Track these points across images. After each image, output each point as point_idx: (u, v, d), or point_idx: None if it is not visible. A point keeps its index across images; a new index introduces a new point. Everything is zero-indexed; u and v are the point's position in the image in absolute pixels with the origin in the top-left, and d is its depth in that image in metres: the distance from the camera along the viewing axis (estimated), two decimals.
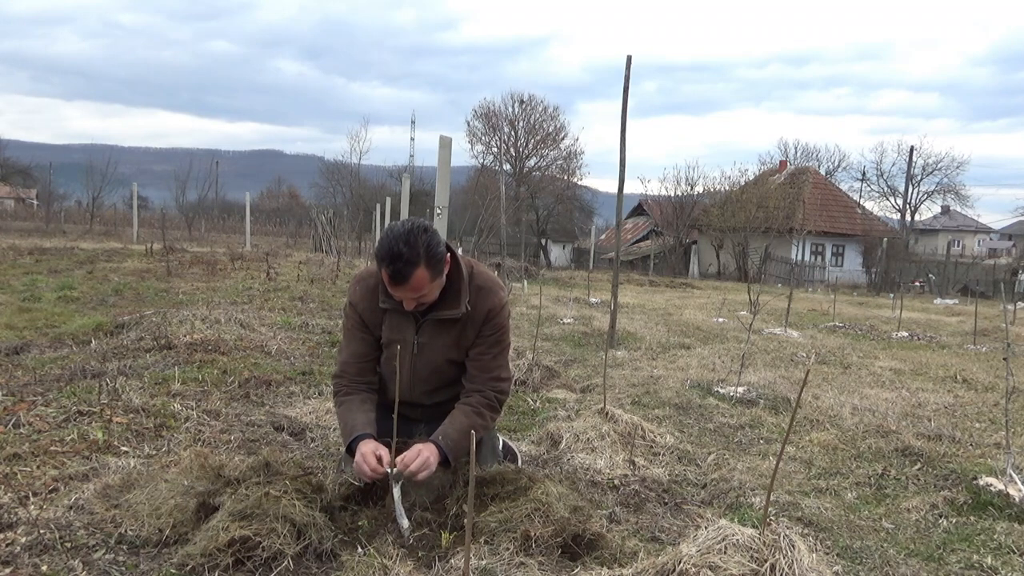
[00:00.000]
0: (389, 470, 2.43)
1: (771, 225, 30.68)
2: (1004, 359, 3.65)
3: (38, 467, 2.76)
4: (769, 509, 2.61)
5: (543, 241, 40.20)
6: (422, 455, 2.42)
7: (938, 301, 19.51)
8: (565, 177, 41.52)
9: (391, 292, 2.49)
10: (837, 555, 2.57)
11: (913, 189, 45.49)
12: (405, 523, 2.36)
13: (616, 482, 3.11)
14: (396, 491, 2.41)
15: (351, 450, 2.51)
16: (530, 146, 40.66)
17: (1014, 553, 2.62)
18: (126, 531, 2.30)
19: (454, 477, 2.58)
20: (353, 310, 2.72)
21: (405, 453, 2.44)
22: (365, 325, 2.70)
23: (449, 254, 2.54)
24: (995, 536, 2.75)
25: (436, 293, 2.55)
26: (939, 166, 47.58)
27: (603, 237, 41.20)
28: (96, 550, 2.20)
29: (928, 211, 56.03)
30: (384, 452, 2.45)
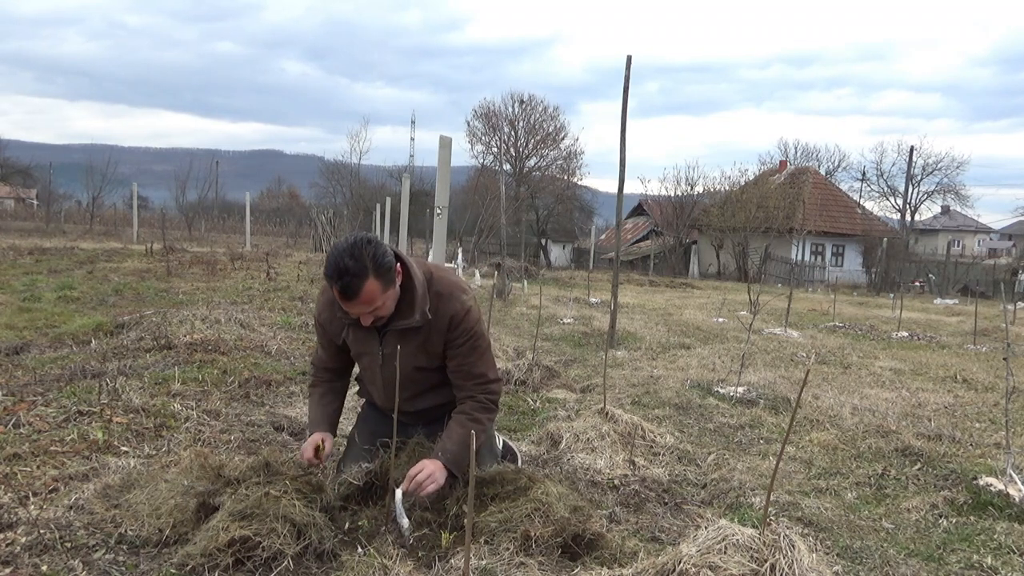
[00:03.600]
0: (391, 476, 2.43)
1: (771, 225, 30.67)
2: (1004, 359, 3.65)
3: (38, 467, 2.76)
4: (769, 509, 2.61)
5: (543, 241, 40.19)
6: (427, 468, 2.43)
7: (938, 301, 19.51)
8: (565, 177, 41.52)
9: (345, 308, 2.45)
10: (837, 555, 2.57)
11: (913, 189, 45.46)
12: (405, 523, 2.36)
13: (616, 482, 3.11)
14: (397, 492, 2.41)
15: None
16: (530, 146, 40.66)
17: (1014, 553, 2.62)
18: (126, 531, 2.31)
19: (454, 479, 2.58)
20: (317, 321, 2.78)
21: (412, 469, 2.45)
22: (328, 336, 2.74)
23: (399, 263, 2.47)
24: (995, 536, 2.75)
25: (391, 305, 2.49)
26: (939, 166, 47.57)
27: (603, 237, 41.19)
28: (96, 550, 2.20)
29: (928, 211, 56.03)
30: (327, 442, 2.61)
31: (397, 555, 2.18)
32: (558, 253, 42.04)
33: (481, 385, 2.67)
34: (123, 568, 2.12)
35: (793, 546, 2.05)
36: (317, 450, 2.58)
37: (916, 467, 3.62)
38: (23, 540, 2.20)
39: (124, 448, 3.06)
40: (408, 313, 2.53)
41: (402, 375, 2.63)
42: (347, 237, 2.43)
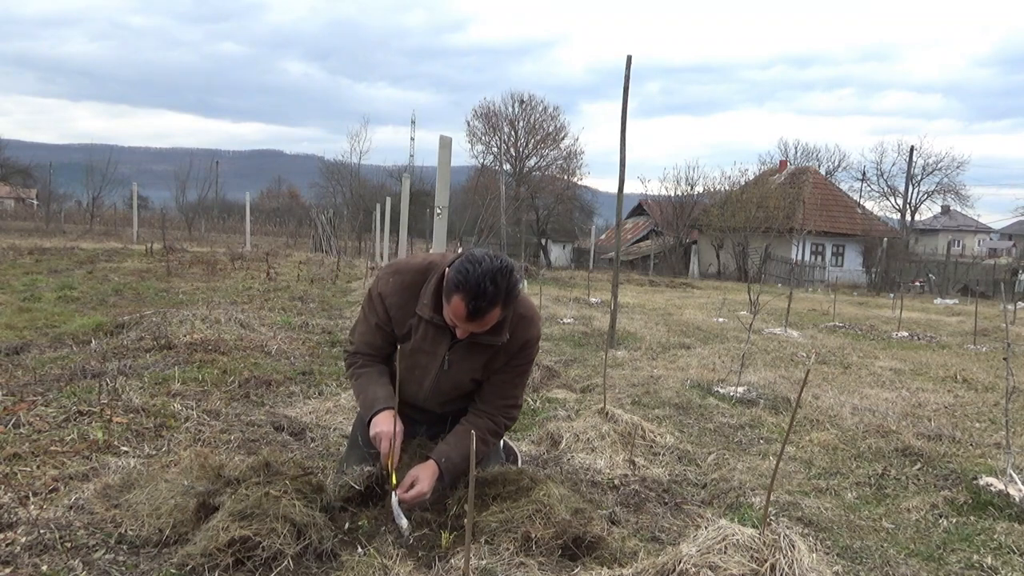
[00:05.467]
0: (390, 471, 2.43)
1: (771, 225, 30.66)
2: (1004, 359, 3.65)
3: (38, 467, 2.76)
4: (769, 509, 2.61)
5: (543, 241, 40.19)
6: (420, 490, 2.40)
7: (938, 301, 19.50)
8: (565, 177, 41.51)
9: (455, 321, 2.35)
10: (837, 555, 2.57)
11: (913, 189, 45.42)
12: (404, 523, 2.36)
13: (616, 482, 3.11)
14: (395, 493, 2.41)
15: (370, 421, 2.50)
16: (530, 146, 40.65)
17: (1014, 553, 2.62)
18: (126, 531, 2.31)
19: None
20: (381, 302, 2.54)
21: (403, 480, 2.44)
22: (389, 320, 2.56)
23: None
24: (995, 536, 2.75)
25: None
26: (939, 166, 47.51)
27: (603, 237, 41.19)
28: (96, 550, 2.20)
29: (928, 211, 55.99)
30: (400, 432, 2.44)
31: (397, 555, 2.18)
32: (558, 253, 42.04)
33: (506, 409, 2.66)
34: (123, 568, 2.12)
35: (793, 546, 2.05)
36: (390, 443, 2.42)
37: (916, 467, 3.62)
38: (23, 540, 2.20)
39: (124, 448, 3.06)
40: (498, 332, 2.47)
41: (455, 382, 2.62)
42: (491, 258, 2.29)
